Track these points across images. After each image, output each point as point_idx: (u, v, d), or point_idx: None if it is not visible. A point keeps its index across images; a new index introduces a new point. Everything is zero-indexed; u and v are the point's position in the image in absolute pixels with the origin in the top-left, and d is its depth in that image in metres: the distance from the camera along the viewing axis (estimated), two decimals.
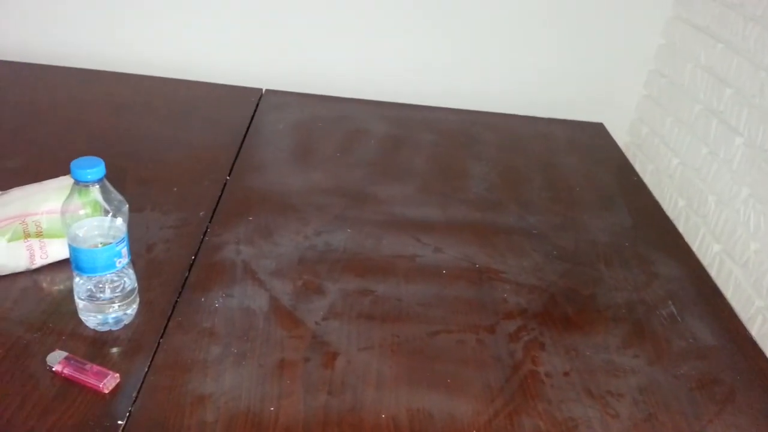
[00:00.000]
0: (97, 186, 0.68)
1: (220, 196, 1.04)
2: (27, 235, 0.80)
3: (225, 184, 1.07)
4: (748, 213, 1.12)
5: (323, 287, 0.87)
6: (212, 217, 0.98)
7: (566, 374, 0.78)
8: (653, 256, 1.04)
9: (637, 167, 1.40)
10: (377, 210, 1.06)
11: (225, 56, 1.47)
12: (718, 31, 1.26)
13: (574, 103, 1.53)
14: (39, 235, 0.81)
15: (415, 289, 0.89)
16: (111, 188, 0.70)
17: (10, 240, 0.79)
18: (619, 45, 1.50)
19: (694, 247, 1.21)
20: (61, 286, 0.81)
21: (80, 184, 0.67)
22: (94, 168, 0.66)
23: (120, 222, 0.71)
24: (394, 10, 1.44)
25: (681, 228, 1.27)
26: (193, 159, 1.14)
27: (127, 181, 1.04)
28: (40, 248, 0.82)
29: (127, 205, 0.72)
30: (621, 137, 1.57)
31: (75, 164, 0.66)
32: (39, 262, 0.83)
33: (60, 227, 0.78)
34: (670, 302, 0.93)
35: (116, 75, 1.41)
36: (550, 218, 1.10)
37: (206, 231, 0.95)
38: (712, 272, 1.13)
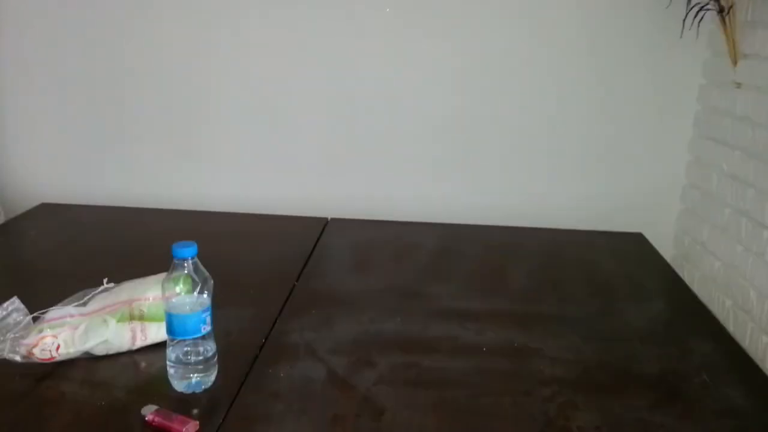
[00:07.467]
0: (190, 261, 0.86)
1: (287, 297, 1.20)
2: (132, 318, 0.98)
3: (293, 288, 1.24)
4: None
5: (374, 361, 0.98)
6: (281, 311, 1.14)
7: (597, 428, 0.83)
8: (690, 338, 1.09)
9: (686, 277, 1.46)
10: (425, 304, 1.18)
11: (297, 193, 1.72)
12: (733, 141, 1.39)
13: (618, 221, 1.65)
14: (141, 318, 0.99)
15: (458, 362, 0.99)
16: (200, 266, 0.88)
17: (118, 321, 0.97)
18: (652, 166, 1.65)
19: (745, 344, 1.24)
20: (156, 366, 0.96)
21: (178, 260, 0.85)
22: (189, 247, 0.85)
23: (206, 295, 0.88)
24: (445, 145, 1.67)
25: (731, 328, 1.31)
26: (267, 270, 1.32)
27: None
28: (141, 331, 0.99)
29: (212, 281, 0.89)
30: (668, 251, 1.65)
31: (175, 245, 0.86)
32: (139, 343, 0.99)
33: (158, 312, 0.96)
34: (703, 372, 0.98)
35: (207, 214, 1.66)
36: (587, 308, 1.19)
37: (275, 321, 1.10)
38: (766, 366, 1.15)
